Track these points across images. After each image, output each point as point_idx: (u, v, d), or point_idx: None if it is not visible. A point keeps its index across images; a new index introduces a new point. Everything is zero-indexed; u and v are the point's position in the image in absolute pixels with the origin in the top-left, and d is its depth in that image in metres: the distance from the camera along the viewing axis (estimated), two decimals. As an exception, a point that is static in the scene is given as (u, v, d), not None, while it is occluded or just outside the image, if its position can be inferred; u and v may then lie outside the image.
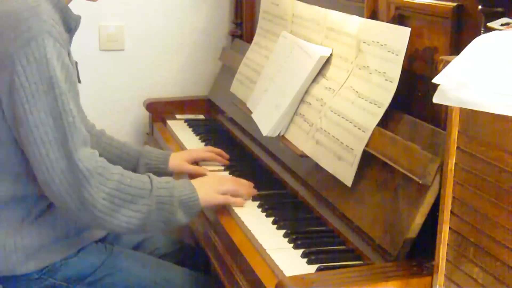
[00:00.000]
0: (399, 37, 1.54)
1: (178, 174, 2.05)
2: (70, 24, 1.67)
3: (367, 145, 1.55)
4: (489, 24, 1.26)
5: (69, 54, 1.63)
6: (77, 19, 1.70)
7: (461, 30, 1.46)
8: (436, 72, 1.11)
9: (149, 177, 1.68)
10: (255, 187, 1.86)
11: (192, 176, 1.96)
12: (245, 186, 1.83)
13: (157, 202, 1.63)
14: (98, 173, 1.56)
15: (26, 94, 1.52)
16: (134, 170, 1.94)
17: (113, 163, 1.64)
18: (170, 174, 2.02)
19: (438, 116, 1.45)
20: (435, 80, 1.08)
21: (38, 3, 1.55)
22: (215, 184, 1.78)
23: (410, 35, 1.51)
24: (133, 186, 1.62)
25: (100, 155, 1.63)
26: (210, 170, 2.04)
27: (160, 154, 2.07)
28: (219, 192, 1.76)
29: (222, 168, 2.10)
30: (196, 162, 2.11)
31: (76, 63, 1.73)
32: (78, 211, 1.57)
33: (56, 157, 1.54)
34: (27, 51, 1.51)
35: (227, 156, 2.15)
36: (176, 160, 2.06)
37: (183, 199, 1.68)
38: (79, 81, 1.71)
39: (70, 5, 1.70)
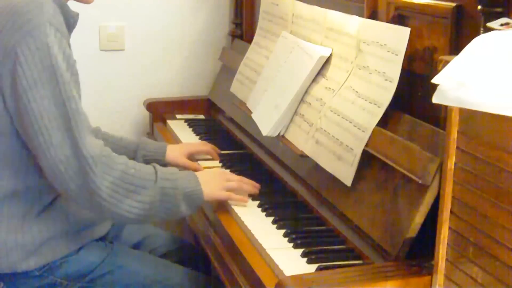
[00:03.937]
0: (399, 37, 1.54)
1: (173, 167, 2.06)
2: (68, 20, 1.68)
3: (367, 145, 1.55)
4: (488, 24, 1.26)
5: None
6: (75, 16, 1.71)
7: (460, 30, 1.46)
8: (436, 72, 1.12)
9: (154, 168, 1.69)
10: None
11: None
12: (249, 184, 1.83)
13: (161, 193, 1.64)
14: (102, 161, 1.57)
15: (29, 83, 1.52)
16: None
17: None
18: (166, 166, 2.03)
19: (438, 116, 1.45)
20: (434, 80, 1.08)
21: None
22: (220, 180, 1.78)
23: (410, 35, 1.52)
24: (137, 176, 1.63)
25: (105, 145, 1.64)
26: (207, 167, 2.05)
27: (157, 147, 2.09)
28: (223, 188, 1.77)
29: (220, 165, 2.12)
30: (192, 156, 2.13)
31: (75, 61, 1.74)
32: (83, 198, 1.58)
33: (61, 144, 1.54)
34: (29, 40, 1.51)
35: (219, 151, 2.19)
36: (173, 153, 2.08)
37: (187, 192, 1.68)
38: None
39: (70, 6, 1.70)
